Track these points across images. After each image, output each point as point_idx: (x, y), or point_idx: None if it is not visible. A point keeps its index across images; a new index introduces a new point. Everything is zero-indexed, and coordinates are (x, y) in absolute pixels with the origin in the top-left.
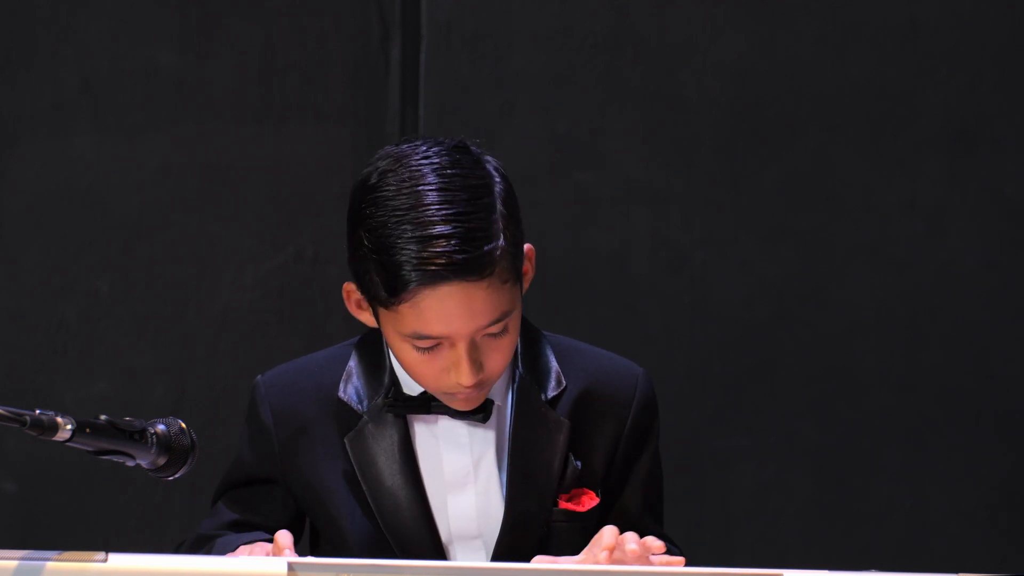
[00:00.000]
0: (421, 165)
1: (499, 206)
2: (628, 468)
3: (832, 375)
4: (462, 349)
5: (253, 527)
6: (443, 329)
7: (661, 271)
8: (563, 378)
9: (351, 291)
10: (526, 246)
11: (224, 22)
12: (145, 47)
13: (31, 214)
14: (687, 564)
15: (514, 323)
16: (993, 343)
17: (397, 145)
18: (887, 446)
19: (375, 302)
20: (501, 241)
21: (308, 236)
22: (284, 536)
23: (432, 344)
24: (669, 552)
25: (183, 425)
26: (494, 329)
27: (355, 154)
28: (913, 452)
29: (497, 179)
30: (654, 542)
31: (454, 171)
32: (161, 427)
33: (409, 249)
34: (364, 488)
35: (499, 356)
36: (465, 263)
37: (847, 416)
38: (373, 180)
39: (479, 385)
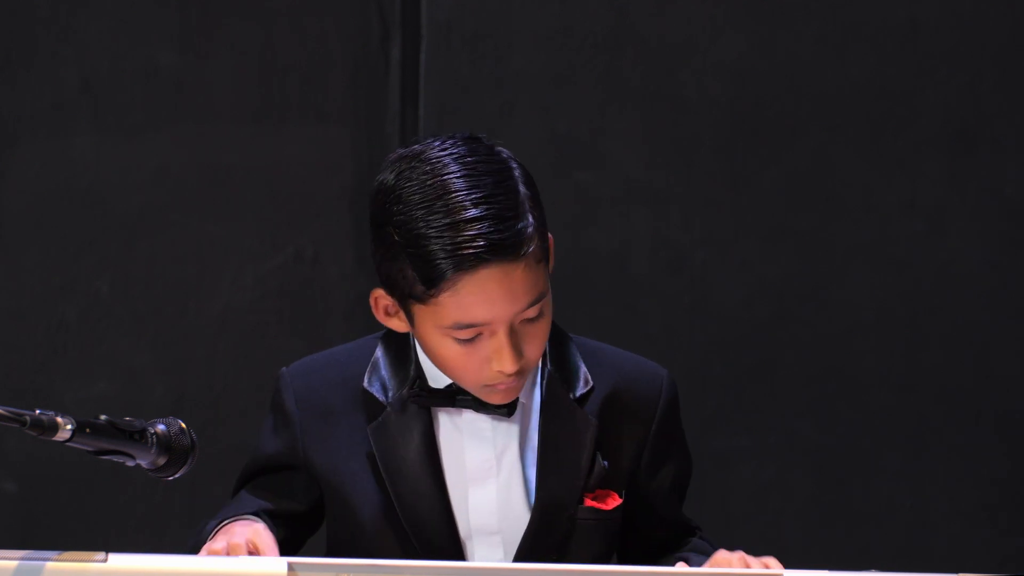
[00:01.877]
0: (441, 156)
1: (522, 188)
2: (658, 471)
3: (832, 375)
4: (503, 336)
5: (275, 515)
6: (484, 315)
7: (661, 271)
8: (590, 378)
9: (379, 297)
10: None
11: (224, 22)
12: (145, 47)
13: (31, 214)
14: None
15: (547, 306)
16: (993, 343)
17: (407, 147)
18: (887, 446)
19: (411, 299)
20: (531, 220)
21: (308, 236)
22: (262, 536)
23: (473, 334)
24: (705, 539)
25: (183, 425)
26: (531, 312)
27: (355, 154)
28: (913, 452)
29: (514, 164)
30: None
31: (474, 158)
32: (161, 427)
33: (444, 236)
34: (386, 479)
35: (537, 341)
36: (502, 243)
37: (847, 416)
38: (392, 181)
39: (520, 373)
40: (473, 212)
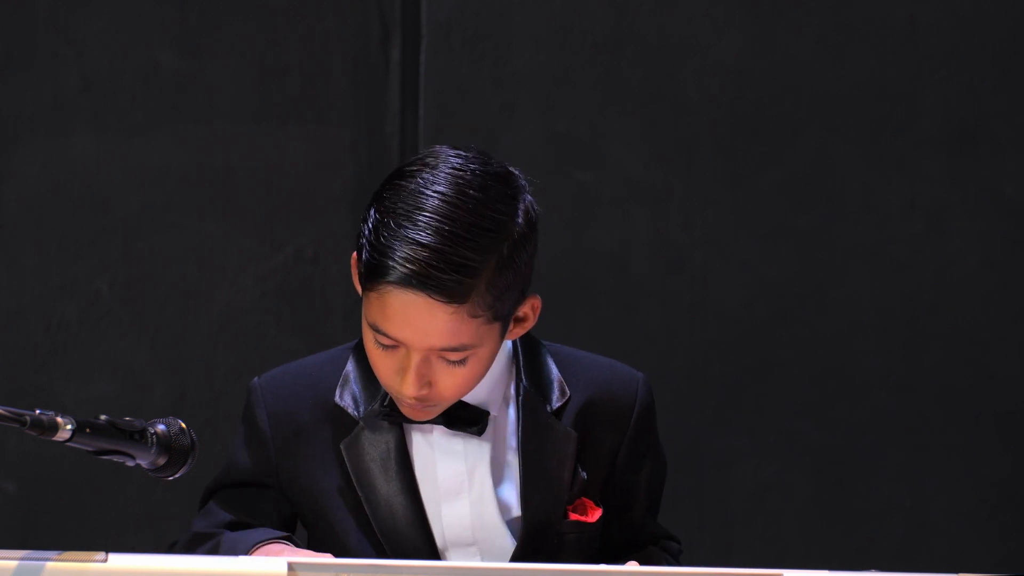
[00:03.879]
0: (451, 174)
1: (504, 249)
2: (632, 475)
3: (832, 375)
4: (413, 359)
5: (248, 528)
6: (398, 332)
7: (661, 271)
8: (567, 388)
9: (355, 262)
10: (533, 298)
11: (224, 22)
12: (145, 47)
13: (31, 214)
14: (687, 564)
15: (477, 359)
16: (993, 343)
17: (455, 148)
18: (887, 446)
19: (359, 278)
20: (482, 281)
21: (308, 236)
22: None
23: (389, 343)
24: (668, 549)
25: (183, 425)
26: (451, 356)
27: (355, 154)
28: (913, 452)
29: (519, 223)
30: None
31: (477, 194)
32: (161, 427)
33: (395, 244)
34: (359, 494)
35: (451, 383)
36: (436, 281)
37: (847, 416)
38: (407, 168)
39: (423, 400)
40: (430, 240)
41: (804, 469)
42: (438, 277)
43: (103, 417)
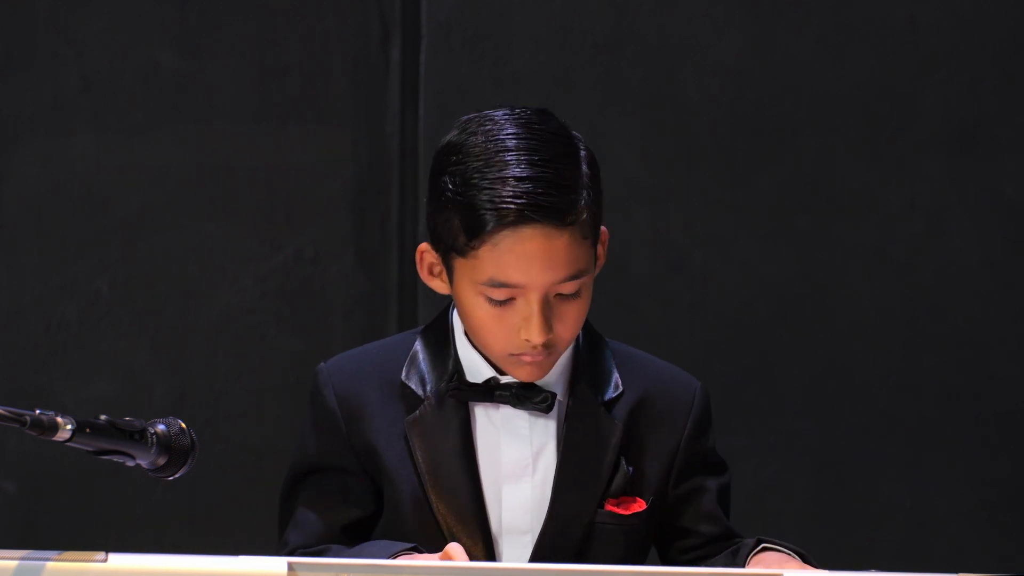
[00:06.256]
0: (507, 119)
1: (586, 167)
2: (690, 477)
3: (832, 375)
4: (535, 303)
5: (348, 530)
6: (520, 276)
7: (661, 271)
8: (621, 383)
9: (424, 252)
10: (602, 228)
11: (224, 22)
12: (145, 47)
13: (31, 214)
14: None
15: (587, 289)
16: (993, 343)
17: (478, 111)
18: (887, 446)
19: (452, 252)
20: (584, 194)
21: (308, 236)
22: (455, 549)
23: (506, 296)
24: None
25: (183, 425)
26: (568, 288)
27: (355, 154)
28: (913, 452)
29: (581, 145)
30: None
31: (540, 126)
32: (161, 427)
33: (494, 188)
34: (422, 472)
35: (569, 321)
36: (548, 205)
37: (847, 416)
38: (456, 138)
39: (547, 347)
40: (527, 171)
41: (804, 469)
42: (548, 201)
43: (103, 417)
